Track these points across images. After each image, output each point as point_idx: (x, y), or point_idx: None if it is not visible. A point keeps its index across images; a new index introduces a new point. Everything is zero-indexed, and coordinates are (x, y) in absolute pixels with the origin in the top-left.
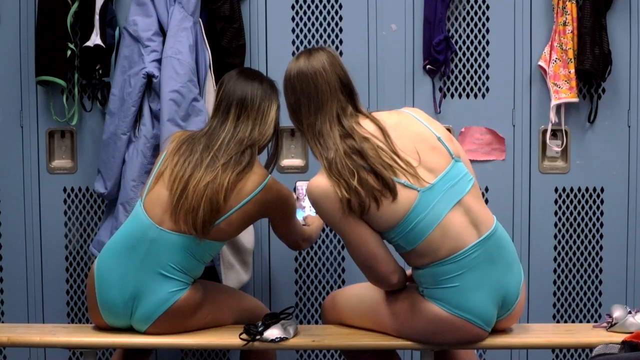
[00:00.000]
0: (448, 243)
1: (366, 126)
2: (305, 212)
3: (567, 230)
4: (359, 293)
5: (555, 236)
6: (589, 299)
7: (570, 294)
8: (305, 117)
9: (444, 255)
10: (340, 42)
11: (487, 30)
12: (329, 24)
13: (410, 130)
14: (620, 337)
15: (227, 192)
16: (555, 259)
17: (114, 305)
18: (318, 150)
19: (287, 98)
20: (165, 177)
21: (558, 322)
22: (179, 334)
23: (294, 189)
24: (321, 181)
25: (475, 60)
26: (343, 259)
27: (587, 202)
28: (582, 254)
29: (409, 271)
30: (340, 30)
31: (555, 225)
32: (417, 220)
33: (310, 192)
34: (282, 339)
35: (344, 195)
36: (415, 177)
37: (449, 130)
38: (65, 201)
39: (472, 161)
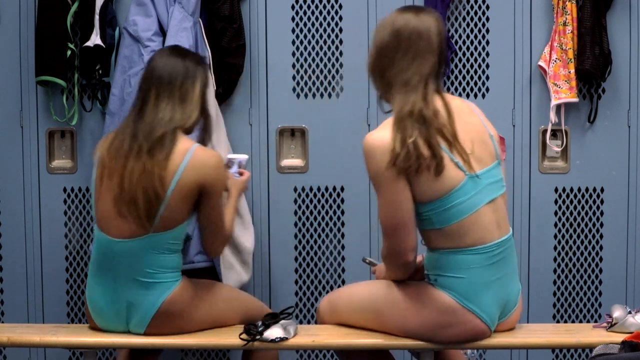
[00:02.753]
0: (475, 233)
1: (437, 101)
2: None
3: (567, 230)
4: (357, 292)
5: (555, 236)
6: (589, 299)
7: (570, 294)
8: (398, 64)
9: (468, 244)
10: (340, 42)
11: (487, 30)
12: (329, 24)
13: (468, 120)
14: (620, 337)
15: (163, 179)
16: (555, 259)
17: (110, 322)
18: (398, 98)
19: (383, 42)
20: (104, 183)
21: (558, 322)
22: (180, 335)
23: (226, 164)
24: (380, 133)
25: (475, 60)
26: (343, 259)
27: (587, 202)
28: (582, 254)
29: (419, 257)
30: (340, 30)
31: (555, 225)
32: (457, 202)
33: (367, 141)
34: (282, 339)
35: (396, 148)
36: (467, 162)
37: None
38: (65, 201)
39: None
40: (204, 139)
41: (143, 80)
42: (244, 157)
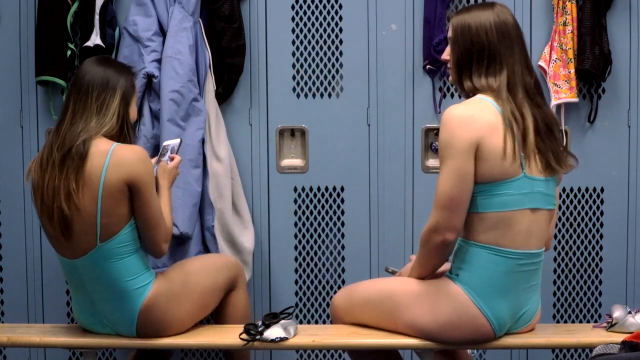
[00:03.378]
0: (507, 233)
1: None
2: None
3: (567, 230)
4: (373, 286)
5: (555, 236)
6: (589, 299)
7: (570, 294)
8: (507, 61)
9: (496, 243)
10: (340, 42)
11: None
12: (329, 24)
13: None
14: (620, 337)
15: (73, 197)
16: (555, 259)
17: (98, 332)
18: (508, 79)
19: (487, 37)
20: (37, 202)
21: (558, 322)
22: (179, 335)
23: (160, 152)
24: (468, 110)
25: None
26: (343, 259)
27: (587, 202)
28: (582, 254)
29: (447, 265)
30: (340, 30)
31: (555, 225)
32: (505, 192)
33: (451, 113)
34: (282, 339)
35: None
36: (529, 162)
37: None
38: None
39: None
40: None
41: (67, 91)
42: (176, 142)
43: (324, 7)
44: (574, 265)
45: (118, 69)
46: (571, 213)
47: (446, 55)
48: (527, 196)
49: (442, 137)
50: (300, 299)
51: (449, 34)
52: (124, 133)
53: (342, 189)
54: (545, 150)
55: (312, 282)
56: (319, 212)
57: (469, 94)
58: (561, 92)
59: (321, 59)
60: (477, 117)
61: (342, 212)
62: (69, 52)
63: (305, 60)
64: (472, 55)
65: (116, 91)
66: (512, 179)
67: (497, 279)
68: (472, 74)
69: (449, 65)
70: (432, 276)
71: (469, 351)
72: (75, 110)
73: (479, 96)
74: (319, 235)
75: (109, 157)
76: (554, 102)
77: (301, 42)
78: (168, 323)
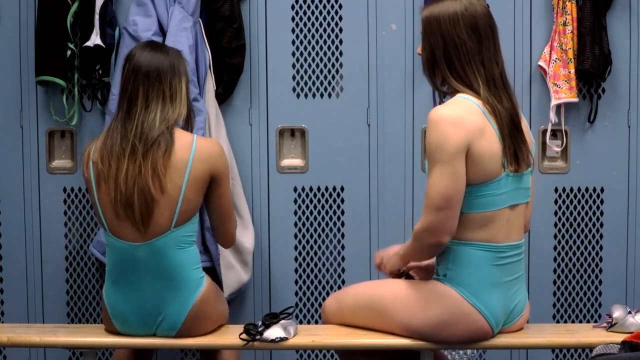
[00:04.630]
0: (490, 230)
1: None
2: None
3: (567, 230)
4: (364, 290)
5: (555, 236)
6: (589, 299)
7: (570, 294)
8: (478, 49)
9: (480, 239)
10: (340, 42)
11: None
12: (329, 24)
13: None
14: (620, 337)
15: (161, 179)
16: (555, 259)
17: (136, 329)
18: (479, 74)
19: (458, 31)
20: (102, 189)
21: (558, 322)
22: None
23: None
24: (455, 109)
25: None
26: (343, 259)
27: (587, 202)
28: (582, 254)
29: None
30: (340, 30)
31: (555, 225)
32: (489, 193)
33: (439, 114)
34: (282, 339)
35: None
36: (508, 159)
37: None
38: (65, 201)
39: None
40: (187, 129)
41: (128, 78)
42: None
43: (324, 7)
44: (574, 265)
45: (176, 53)
46: (571, 213)
47: (420, 50)
48: (508, 194)
49: (432, 139)
50: (300, 299)
51: (421, 28)
52: (190, 118)
53: (342, 189)
54: (519, 145)
55: (312, 282)
56: (319, 212)
57: (443, 91)
58: (561, 92)
59: (321, 59)
60: (467, 120)
61: (342, 212)
62: (69, 52)
63: (305, 60)
64: (444, 52)
65: (182, 76)
66: (494, 180)
67: (484, 273)
68: (446, 70)
69: (422, 60)
70: (419, 279)
71: (468, 351)
72: (149, 97)
73: (460, 96)
74: (319, 235)
75: (194, 149)
76: (554, 102)
77: (301, 42)
78: (211, 320)
